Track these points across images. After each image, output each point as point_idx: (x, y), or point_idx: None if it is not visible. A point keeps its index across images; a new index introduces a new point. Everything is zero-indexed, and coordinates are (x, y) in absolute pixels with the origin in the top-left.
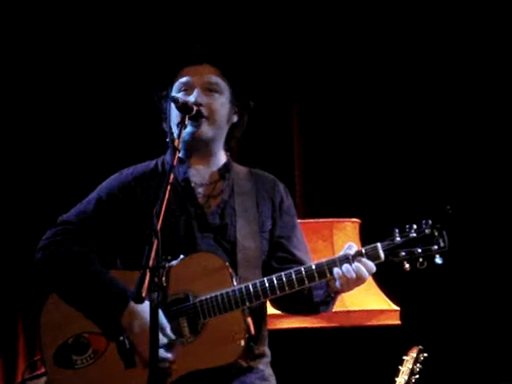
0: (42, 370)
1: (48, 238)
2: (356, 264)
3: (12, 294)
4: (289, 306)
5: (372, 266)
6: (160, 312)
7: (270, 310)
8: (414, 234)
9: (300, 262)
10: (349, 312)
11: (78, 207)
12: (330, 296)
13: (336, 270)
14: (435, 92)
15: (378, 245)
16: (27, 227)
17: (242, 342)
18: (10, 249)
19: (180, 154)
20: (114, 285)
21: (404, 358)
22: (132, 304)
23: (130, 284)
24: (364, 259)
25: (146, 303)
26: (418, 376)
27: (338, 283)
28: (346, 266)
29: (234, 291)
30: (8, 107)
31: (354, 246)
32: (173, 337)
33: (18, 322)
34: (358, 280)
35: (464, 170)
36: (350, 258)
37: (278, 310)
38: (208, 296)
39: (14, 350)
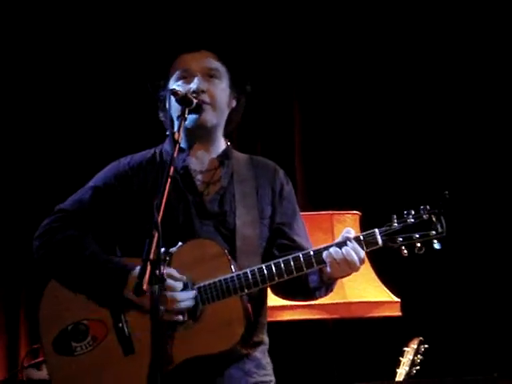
0: (42, 357)
1: (44, 226)
2: (345, 247)
3: (14, 277)
4: (286, 291)
5: (359, 248)
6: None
7: (271, 301)
8: (412, 220)
9: (300, 249)
10: (349, 303)
11: (74, 196)
12: (324, 282)
13: (325, 253)
14: (432, 83)
15: (376, 230)
16: (29, 214)
17: (240, 329)
18: (11, 233)
19: (181, 143)
20: (111, 261)
21: (405, 349)
22: (133, 275)
23: None
24: (353, 244)
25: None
26: (418, 367)
27: (328, 266)
28: (333, 248)
29: (232, 278)
30: (5, 98)
31: (351, 231)
32: (184, 278)
33: (20, 307)
34: (348, 264)
35: (462, 158)
36: (347, 241)
37: (276, 295)
38: (206, 282)
39: (16, 334)
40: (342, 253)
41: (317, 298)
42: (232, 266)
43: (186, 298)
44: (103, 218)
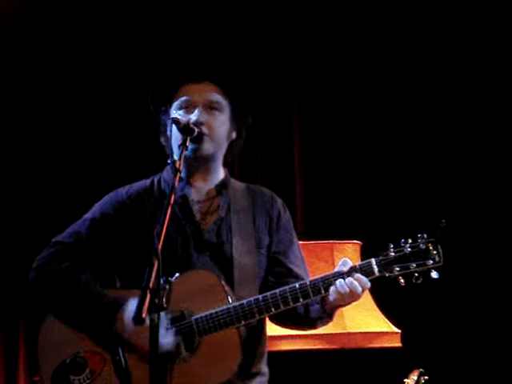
0: None
1: (41, 258)
2: (349, 279)
3: (13, 308)
4: (286, 321)
5: (366, 280)
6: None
7: (270, 331)
8: (409, 249)
9: (297, 277)
10: (350, 334)
11: (71, 228)
12: (326, 312)
13: (332, 288)
14: (431, 109)
15: (372, 260)
16: (29, 233)
17: (236, 362)
18: (10, 264)
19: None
20: (102, 296)
21: (405, 380)
22: (122, 312)
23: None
24: (358, 274)
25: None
26: None
27: (331, 298)
28: (339, 281)
29: (228, 309)
30: (9, 121)
31: (348, 262)
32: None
33: (19, 338)
34: (353, 295)
35: (460, 186)
36: (345, 273)
37: (275, 323)
38: (203, 314)
39: (15, 366)
40: (348, 285)
41: (317, 328)
42: (229, 298)
43: (165, 343)
44: (101, 249)
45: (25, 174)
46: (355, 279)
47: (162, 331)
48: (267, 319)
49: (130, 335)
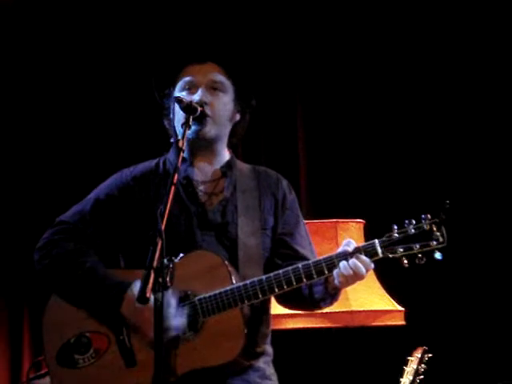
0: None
1: (45, 238)
2: (353, 260)
3: (17, 289)
4: (290, 301)
5: (369, 262)
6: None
7: (275, 309)
8: (413, 230)
9: (303, 259)
10: (353, 312)
11: (75, 207)
12: (329, 293)
13: (335, 272)
14: (435, 92)
15: (376, 241)
16: (32, 223)
17: (241, 341)
18: (14, 244)
19: (184, 153)
20: (109, 278)
21: (409, 358)
22: (129, 293)
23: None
24: (361, 255)
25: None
26: (422, 376)
27: (336, 280)
28: (343, 263)
29: (232, 290)
30: (9, 107)
31: (352, 243)
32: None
33: (23, 319)
34: (356, 276)
35: (465, 167)
36: (348, 255)
37: (279, 303)
38: (207, 295)
39: (19, 346)
40: (351, 267)
41: (322, 308)
42: (233, 278)
43: (176, 324)
44: (105, 228)
45: (27, 160)
46: (359, 260)
47: (172, 311)
48: (272, 299)
49: (135, 316)
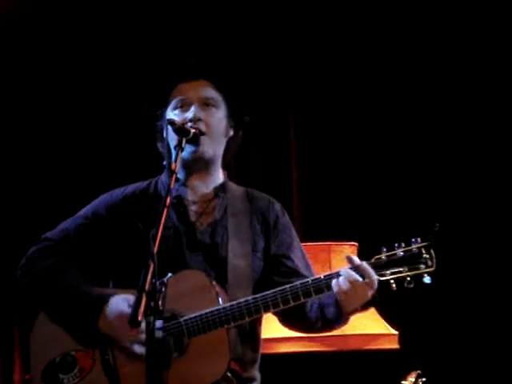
0: None
1: (28, 255)
2: (344, 271)
3: (8, 309)
4: (292, 323)
5: (369, 269)
6: None
7: (267, 333)
8: (402, 253)
9: (299, 278)
10: (347, 336)
11: (62, 224)
12: (342, 315)
13: (334, 281)
14: (427, 113)
15: (364, 263)
16: (22, 241)
17: (224, 364)
18: (4, 263)
19: (178, 174)
20: (87, 293)
21: (402, 382)
22: (107, 308)
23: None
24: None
25: (124, 303)
26: None
27: (338, 297)
28: (334, 280)
29: (218, 310)
30: (7, 124)
31: (355, 259)
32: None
33: (14, 338)
34: (355, 288)
35: (457, 189)
36: (335, 274)
37: (288, 327)
38: (193, 315)
39: (10, 367)
40: (346, 278)
41: (334, 329)
42: (219, 299)
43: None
44: (89, 248)
45: (20, 178)
46: (355, 271)
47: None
48: (270, 321)
49: (116, 334)
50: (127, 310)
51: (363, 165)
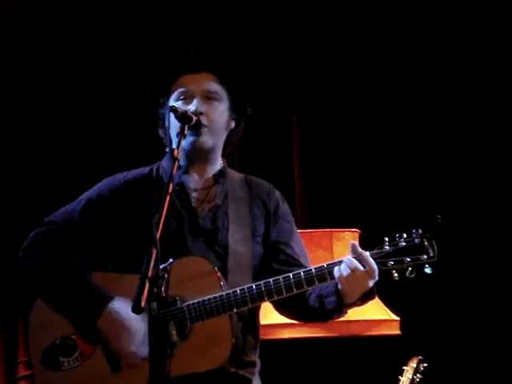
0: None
1: (31, 237)
2: (346, 259)
3: (13, 298)
4: (291, 312)
5: (370, 258)
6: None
7: (269, 319)
8: (404, 243)
9: (299, 267)
10: (349, 322)
11: (66, 207)
12: (344, 305)
13: (336, 269)
14: (429, 106)
15: (367, 253)
16: (26, 230)
17: (228, 348)
18: (10, 247)
19: (180, 161)
20: (93, 287)
21: (404, 368)
22: (109, 307)
23: (116, 286)
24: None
25: (125, 309)
26: None
27: (339, 285)
28: (336, 268)
29: (221, 296)
30: (7, 116)
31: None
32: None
33: (18, 329)
34: (356, 276)
35: (459, 179)
36: (338, 262)
37: (280, 313)
38: (195, 301)
39: (14, 357)
40: (347, 265)
41: (334, 319)
42: (222, 284)
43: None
44: (93, 231)
45: (22, 171)
46: (355, 259)
47: (140, 338)
48: (267, 310)
49: (111, 330)
50: (128, 315)
51: (365, 153)
